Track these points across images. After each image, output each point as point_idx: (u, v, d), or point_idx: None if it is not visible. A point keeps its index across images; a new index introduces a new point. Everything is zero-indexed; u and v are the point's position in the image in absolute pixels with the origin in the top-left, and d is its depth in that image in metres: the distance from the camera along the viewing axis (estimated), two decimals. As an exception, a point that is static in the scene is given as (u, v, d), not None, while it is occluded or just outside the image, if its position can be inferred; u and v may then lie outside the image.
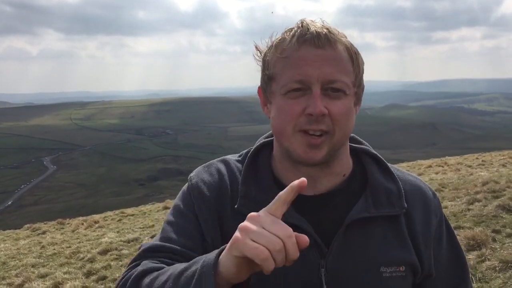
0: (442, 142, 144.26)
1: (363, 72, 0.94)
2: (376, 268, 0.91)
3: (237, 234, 0.71)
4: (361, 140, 1.08)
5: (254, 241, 0.68)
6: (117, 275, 5.50)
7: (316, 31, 0.87)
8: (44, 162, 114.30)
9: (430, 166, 15.57)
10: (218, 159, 1.06)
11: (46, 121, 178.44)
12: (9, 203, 78.59)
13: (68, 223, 12.89)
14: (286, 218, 0.86)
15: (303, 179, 0.71)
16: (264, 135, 1.08)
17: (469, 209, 5.90)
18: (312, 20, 0.90)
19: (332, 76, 0.86)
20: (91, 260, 6.62)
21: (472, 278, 3.77)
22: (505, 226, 5.00)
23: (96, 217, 13.71)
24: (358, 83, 0.93)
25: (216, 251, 0.76)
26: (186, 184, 1.03)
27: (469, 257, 4.14)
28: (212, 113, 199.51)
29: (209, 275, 0.73)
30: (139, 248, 0.97)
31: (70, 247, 8.16)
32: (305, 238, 0.71)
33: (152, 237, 7.59)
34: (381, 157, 1.04)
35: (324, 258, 0.90)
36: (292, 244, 0.69)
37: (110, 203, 57.65)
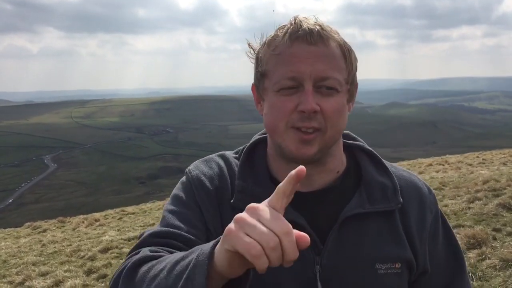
0: (442, 141, 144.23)
1: (356, 69, 0.93)
2: (371, 265, 0.91)
3: (231, 225, 0.67)
4: (355, 136, 1.07)
5: (247, 235, 0.64)
6: (118, 273, 5.50)
7: (308, 28, 0.86)
8: (45, 160, 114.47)
9: (430, 165, 15.56)
10: (217, 154, 1.06)
11: (47, 119, 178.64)
12: (10, 201, 78.76)
13: (68, 221, 12.91)
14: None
15: (301, 166, 0.67)
16: (259, 132, 1.08)
17: (469, 208, 5.90)
18: (305, 17, 0.90)
19: (325, 73, 0.86)
20: (92, 258, 6.63)
21: (472, 277, 3.77)
22: (505, 224, 4.99)
23: (97, 215, 13.72)
24: (351, 80, 0.93)
25: (213, 242, 0.72)
26: (185, 177, 1.01)
27: (469, 255, 4.14)
28: (212, 111, 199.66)
29: (203, 266, 0.69)
30: (141, 235, 0.94)
31: (70, 245, 8.17)
32: (306, 238, 0.66)
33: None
34: (375, 153, 1.03)
35: (319, 255, 0.89)
36: (289, 242, 0.64)
37: (110, 201, 57.73)
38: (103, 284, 5.25)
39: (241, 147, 1.06)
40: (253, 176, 0.97)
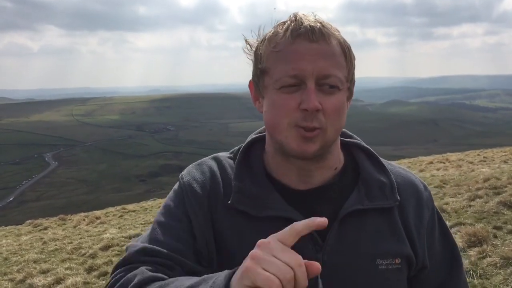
0: (443, 139, 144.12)
1: (355, 68, 0.94)
2: (372, 261, 0.92)
3: (248, 262, 0.69)
4: (351, 134, 1.08)
5: (265, 270, 0.67)
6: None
7: (310, 25, 0.86)
8: (46, 158, 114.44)
9: (431, 163, 15.56)
10: (210, 156, 1.05)
11: (47, 117, 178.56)
12: (11, 199, 78.80)
13: (69, 219, 12.94)
14: (280, 213, 0.90)
15: (324, 219, 0.71)
16: (255, 131, 1.08)
17: (470, 206, 5.90)
18: (304, 14, 0.90)
19: (327, 71, 0.86)
20: (93, 256, 6.65)
21: (473, 275, 3.77)
22: (506, 222, 5.00)
23: (98, 213, 13.76)
24: (351, 78, 0.93)
25: (224, 274, 0.74)
26: (178, 183, 1.01)
27: (470, 253, 4.14)
28: (213, 109, 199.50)
29: None
30: (127, 248, 0.94)
31: (71, 243, 8.19)
32: (316, 266, 0.69)
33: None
34: (372, 150, 1.04)
35: (320, 252, 0.90)
36: (302, 273, 0.68)
37: (111, 199, 57.77)
38: (104, 282, 5.26)
39: (236, 147, 1.06)
40: (250, 176, 0.96)
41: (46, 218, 14.04)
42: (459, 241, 4.35)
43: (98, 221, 11.66)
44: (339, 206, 0.93)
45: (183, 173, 1.02)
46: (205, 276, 0.78)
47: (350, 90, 0.94)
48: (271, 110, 0.90)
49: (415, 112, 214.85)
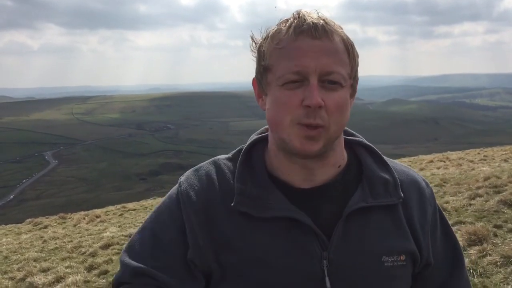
0: (444, 137, 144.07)
1: (358, 65, 0.93)
2: (378, 258, 0.92)
3: None
4: (353, 132, 1.08)
5: None
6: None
7: (313, 22, 0.86)
8: (46, 157, 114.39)
9: (432, 161, 15.56)
10: (208, 161, 1.04)
11: (48, 115, 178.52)
12: (11, 197, 78.81)
13: (69, 218, 12.93)
14: (284, 213, 0.90)
15: None
16: (256, 132, 1.07)
17: (470, 204, 5.90)
18: (307, 12, 0.90)
19: (330, 67, 0.86)
20: (93, 255, 6.64)
21: (473, 273, 3.76)
22: (506, 221, 4.99)
23: (98, 211, 13.75)
24: (354, 75, 0.93)
25: None
26: (176, 189, 1.00)
27: (470, 252, 4.14)
28: (213, 107, 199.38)
29: None
30: (121, 261, 0.97)
31: (71, 241, 8.19)
32: None
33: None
34: (375, 148, 1.04)
35: (326, 250, 0.90)
36: None
37: (111, 197, 57.84)
38: (104, 280, 5.26)
39: (237, 149, 1.05)
40: (252, 177, 0.96)
41: (46, 216, 14.04)
42: (459, 239, 4.31)
43: (98, 219, 11.64)
44: (343, 204, 0.93)
45: (181, 179, 1.02)
46: None
47: (353, 87, 0.94)
48: (273, 107, 0.90)
49: (416, 110, 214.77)
